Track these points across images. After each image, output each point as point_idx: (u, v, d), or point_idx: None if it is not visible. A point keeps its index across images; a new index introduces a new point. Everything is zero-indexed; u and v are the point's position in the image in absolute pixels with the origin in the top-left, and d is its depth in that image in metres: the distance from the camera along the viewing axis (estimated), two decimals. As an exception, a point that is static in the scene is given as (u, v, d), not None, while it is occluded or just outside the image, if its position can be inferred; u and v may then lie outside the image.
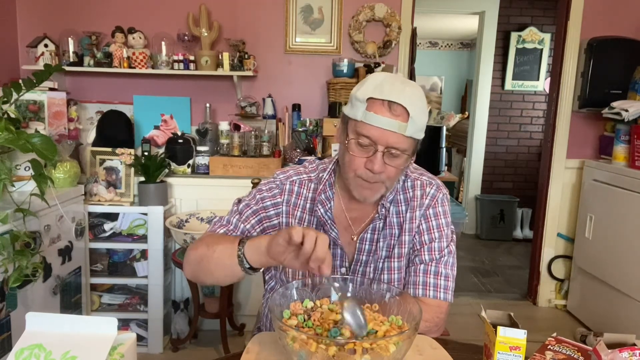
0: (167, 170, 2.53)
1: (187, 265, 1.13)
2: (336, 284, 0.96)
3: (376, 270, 1.18)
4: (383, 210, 1.16)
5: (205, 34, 2.66)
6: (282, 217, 1.19)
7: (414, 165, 1.25)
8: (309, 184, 1.21)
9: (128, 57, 2.63)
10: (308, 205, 1.19)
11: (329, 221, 1.15)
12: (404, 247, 1.17)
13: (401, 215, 1.18)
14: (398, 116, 1.00)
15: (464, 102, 6.85)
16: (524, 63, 4.67)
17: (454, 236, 1.21)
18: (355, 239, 1.19)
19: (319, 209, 1.16)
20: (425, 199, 1.18)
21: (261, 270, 1.30)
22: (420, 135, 1.06)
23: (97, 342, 0.68)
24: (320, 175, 1.21)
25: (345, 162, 1.08)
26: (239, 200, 1.22)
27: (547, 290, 3.24)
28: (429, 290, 1.13)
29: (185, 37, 2.70)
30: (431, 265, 1.14)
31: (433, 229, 1.17)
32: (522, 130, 4.86)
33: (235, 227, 1.16)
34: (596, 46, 2.83)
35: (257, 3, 2.83)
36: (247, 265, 0.98)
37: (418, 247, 1.16)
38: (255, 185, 1.67)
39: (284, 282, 1.21)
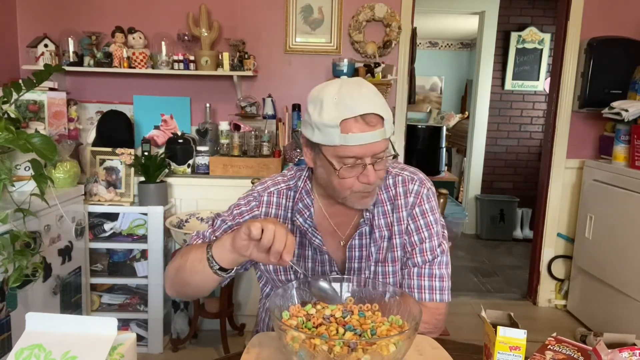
0: (167, 170, 2.54)
1: (167, 280, 1.12)
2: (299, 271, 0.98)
3: (369, 274, 1.16)
4: (368, 214, 1.13)
5: (205, 34, 2.66)
6: None
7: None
8: (288, 193, 1.18)
9: (128, 57, 2.63)
10: (289, 215, 1.17)
11: (310, 229, 1.13)
12: (397, 251, 1.15)
13: (388, 216, 1.15)
14: (375, 125, 0.98)
15: (464, 102, 6.85)
16: (524, 63, 4.67)
17: (445, 232, 1.19)
18: (343, 244, 1.17)
19: (298, 219, 1.14)
20: (410, 196, 1.15)
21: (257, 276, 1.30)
22: (392, 128, 1.04)
23: (97, 342, 0.68)
24: (297, 183, 1.18)
25: (335, 185, 1.05)
26: (217, 215, 1.20)
27: (547, 290, 3.24)
28: (425, 293, 1.12)
29: (185, 37, 2.70)
30: (424, 268, 1.13)
31: (422, 229, 1.14)
32: (522, 130, 4.86)
33: (210, 241, 1.14)
34: (596, 46, 2.83)
35: (257, 3, 2.83)
36: (217, 266, 0.97)
37: (409, 249, 1.14)
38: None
39: (275, 280, 1.20)
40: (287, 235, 0.89)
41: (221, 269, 0.98)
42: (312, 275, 1.15)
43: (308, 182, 1.16)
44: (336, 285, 0.99)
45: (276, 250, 0.88)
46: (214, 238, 1.14)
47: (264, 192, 1.18)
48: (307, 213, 1.14)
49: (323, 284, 0.97)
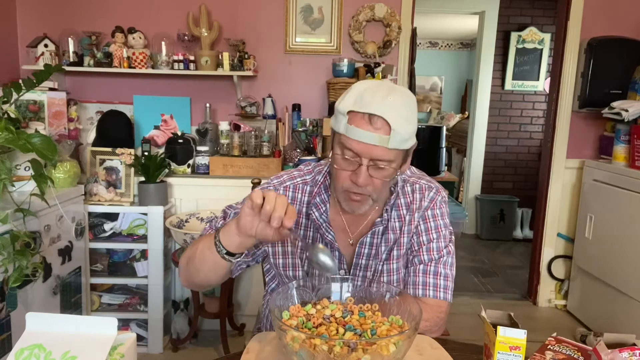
0: (167, 170, 2.53)
1: (180, 271, 1.15)
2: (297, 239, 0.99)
3: (375, 272, 1.17)
4: (386, 215, 1.15)
5: (205, 34, 2.66)
6: None
7: (413, 168, 1.25)
8: (304, 187, 1.20)
9: (128, 57, 2.63)
10: (304, 209, 1.18)
11: (324, 224, 1.15)
12: (402, 249, 1.17)
13: (402, 219, 1.18)
14: (379, 129, 0.98)
15: (464, 102, 6.85)
16: (524, 63, 4.67)
17: (453, 237, 1.21)
18: (351, 242, 1.18)
19: (314, 212, 1.15)
20: (425, 201, 1.19)
21: (263, 270, 1.30)
22: (407, 144, 1.03)
23: (97, 342, 0.68)
24: (316, 177, 1.20)
25: (333, 174, 1.08)
26: (230, 207, 1.21)
27: (547, 290, 3.24)
28: (429, 290, 1.13)
29: (185, 37, 2.70)
30: (430, 265, 1.15)
31: (431, 230, 1.17)
32: (522, 130, 4.86)
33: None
34: (596, 46, 2.84)
35: (257, 3, 2.83)
36: (224, 251, 0.98)
37: (416, 248, 1.16)
38: (255, 185, 1.67)
39: (282, 276, 1.21)
40: (288, 204, 0.91)
41: (228, 253, 0.99)
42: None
43: (328, 177, 1.18)
44: (336, 285, 0.99)
45: (277, 215, 0.88)
46: None
47: (280, 186, 1.20)
48: (323, 208, 1.16)
49: (323, 256, 0.96)
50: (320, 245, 0.99)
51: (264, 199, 0.89)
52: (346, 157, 1.02)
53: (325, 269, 0.95)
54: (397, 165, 1.05)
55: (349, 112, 1.00)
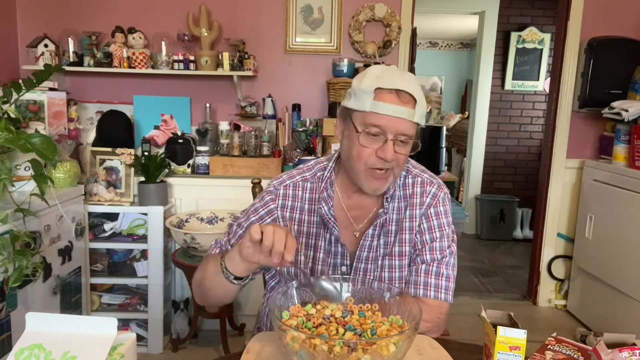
0: (167, 170, 2.53)
1: (194, 291, 1.18)
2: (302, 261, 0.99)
3: (377, 267, 1.17)
4: (386, 204, 1.16)
5: (205, 33, 2.66)
6: (279, 222, 1.19)
7: (414, 162, 1.25)
8: (304, 184, 1.20)
9: (128, 57, 2.63)
10: (306, 206, 1.19)
11: (331, 219, 1.15)
12: (404, 246, 1.17)
13: (400, 212, 1.18)
14: (406, 103, 1.03)
15: (464, 102, 6.84)
16: (524, 63, 4.67)
17: (455, 236, 1.21)
18: (357, 235, 1.19)
19: (323, 207, 1.16)
20: (426, 197, 1.18)
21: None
22: (423, 121, 1.09)
23: (97, 342, 0.68)
24: (319, 173, 1.21)
25: (354, 155, 1.08)
26: (235, 219, 1.23)
27: (547, 290, 3.24)
28: (430, 290, 1.13)
29: (185, 37, 2.70)
30: (432, 266, 1.15)
31: (434, 229, 1.17)
32: (522, 130, 4.86)
33: (227, 249, 1.18)
34: (596, 46, 2.83)
35: (257, 3, 2.83)
36: (232, 277, 1.01)
37: (419, 247, 1.16)
38: (255, 185, 1.67)
39: (286, 273, 1.21)
40: (288, 236, 0.91)
41: (237, 277, 1.01)
42: (322, 268, 1.18)
43: (333, 173, 1.20)
44: (337, 285, 0.99)
45: (277, 251, 0.90)
46: (230, 247, 1.18)
47: (280, 186, 1.21)
48: (331, 203, 1.17)
49: (325, 283, 0.97)
50: (322, 277, 1.00)
51: (262, 233, 0.90)
52: (371, 133, 1.04)
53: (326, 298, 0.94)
54: (414, 143, 1.09)
55: (377, 89, 1.03)
